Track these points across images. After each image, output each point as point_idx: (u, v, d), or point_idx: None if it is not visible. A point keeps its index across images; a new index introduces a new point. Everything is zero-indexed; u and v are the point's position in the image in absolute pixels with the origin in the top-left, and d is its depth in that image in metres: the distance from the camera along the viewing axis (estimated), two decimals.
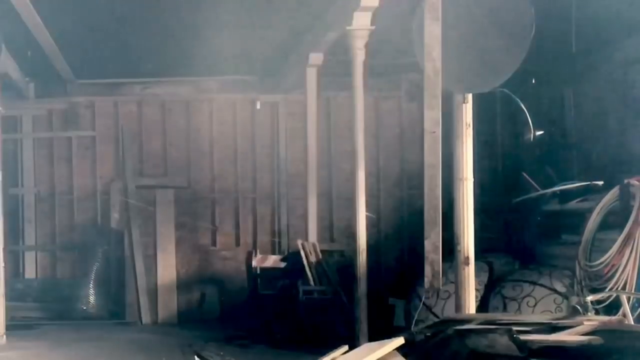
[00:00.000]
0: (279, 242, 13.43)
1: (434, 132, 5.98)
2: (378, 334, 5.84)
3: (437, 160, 6.04)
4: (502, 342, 4.62)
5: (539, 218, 10.35)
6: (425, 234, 6.11)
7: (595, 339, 4.50)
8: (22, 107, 13.39)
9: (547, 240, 10.17)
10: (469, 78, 6.56)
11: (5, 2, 8.89)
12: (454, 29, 6.29)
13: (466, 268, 6.81)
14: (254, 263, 13.21)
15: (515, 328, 4.75)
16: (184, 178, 13.46)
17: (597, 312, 6.98)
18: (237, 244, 13.58)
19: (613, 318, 5.38)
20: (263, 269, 13.02)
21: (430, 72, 6.06)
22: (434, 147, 6.06)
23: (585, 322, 4.97)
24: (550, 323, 5.08)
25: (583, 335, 4.67)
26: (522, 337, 4.62)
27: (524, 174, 10.20)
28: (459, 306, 6.89)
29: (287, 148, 13.44)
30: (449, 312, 8.26)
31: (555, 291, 8.75)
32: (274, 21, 10.40)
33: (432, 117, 6.04)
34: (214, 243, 13.57)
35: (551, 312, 8.51)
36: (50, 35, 10.49)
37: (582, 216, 8.70)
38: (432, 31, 6.06)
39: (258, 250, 13.40)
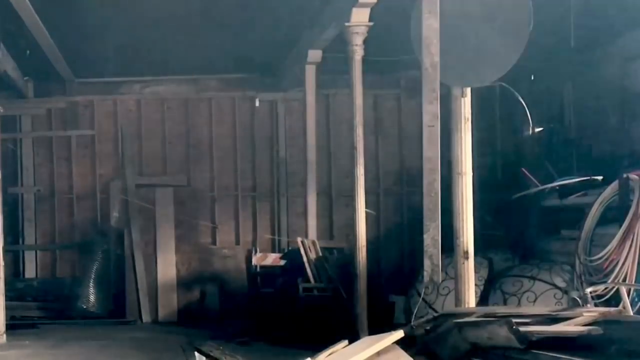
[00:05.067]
0: (279, 240, 13.43)
1: (432, 125, 5.98)
2: (378, 331, 5.81)
3: (436, 154, 6.04)
4: (501, 334, 4.61)
5: (538, 213, 10.35)
6: (425, 228, 6.10)
7: (595, 330, 4.50)
8: (22, 106, 13.42)
9: (546, 235, 10.17)
10: (467, 72, 6.56)
11: (4, 1, 8.89)
12: (452, 23, 6.29)
13: (465, 262, 6.80)
14: (254, 261, 13.26)
15: (514, 320, 4.74)
16: (184, 176, 13.47)
17: (596, 306, 6.98)
18: (237, 242, 13.58)
19: (612, 309, 5.37)
20: (263, 267, 13.06)
21: (428, 66, 6.06)
22: (433, 141, 6.05)
23: (584, 314, 4.97)
24: (550, 315, 5.08)
25: (583, 326, 4.66)
26: (522, 328, 4.61)
27: (523, 170, 10.20)
28: (458, 300, 6.88)
29: (286, 146, 13.45)
30: (449, 307, 8.26)
31: (555, 286, 8.75)
32: (273, 18, 10.41)
33: (431, 111, 6.04)
34: (214, 241, 13.57)
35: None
36: (49, 35, 10.49)
37: (581, 211, 8.72)
38: (430, 25, 6.07)
39: (258, 249, 13.44)
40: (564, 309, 5.58)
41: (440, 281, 6.51)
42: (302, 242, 10.78)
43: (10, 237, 12.88)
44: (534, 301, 8.74)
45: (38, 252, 13.65)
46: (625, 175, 7.87)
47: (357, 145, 9.22)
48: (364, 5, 8.77)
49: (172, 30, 10.85)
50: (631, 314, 6.55)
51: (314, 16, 10.08)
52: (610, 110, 10.19)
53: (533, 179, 10.02)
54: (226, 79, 13.57)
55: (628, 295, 7.10)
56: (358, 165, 9.21)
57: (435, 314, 7.85)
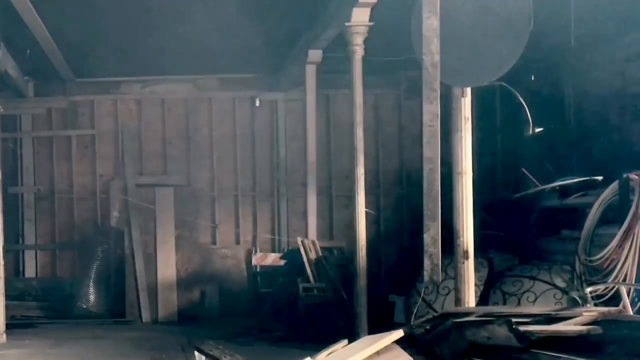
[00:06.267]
0: (279, 240, 13.42)
1: (433, 125, 5.97)
2: (378, 330, 5.81)
3: (436, 153, 6.02)
4: (501, 333, 4.60)
5: (538, 213, 10.35)
6: (425, 227, 6.09)
7: (595, 329, 4.49)
8: (22, 105, 13.43)
9: (546, 235, 10.16)
10: (467, 72, 6.55)
11: (4, 1, 8.89)
12: (452, 23, 6.29)
13: (465, 262, 6.80)
14: (254, 261, 13.27)
15: (514, 319, 4.74)
16: (184, 176, 13.47)
17: (596, 306, 6.97)
18: (237, 242, 13.58)
19: (612, 309, 5.37)
20: (263, 267, 13.07)
21: (428, 65, 6.04)
22: (433, 141, 6.04)
23: (584, 313, 4.96)
24: (550, 314, 5.07)
25: (582, 325, 4.65)
26: (522, 328, 4.60)
27: (524, 170, 10.19)
28: (458, 300, 6.88)
29: (286, 145, 13.45)
30: (449, 307, 8.25)
31: (555, 286, 8.74)
32: (273, 18, 10.41)
33: (431, 111, 6.03)
34: (213, 241, 13.57)
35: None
36: (50, 34, 10.49)
37: (581, 211, 8.71)
38: (431, 25, 6.05)
39: (258, 248, 13.44)
40: (564, 309, 5.57)
41: (440, 281, 6.48)
42: (302, 242, 10.79)
43: (11, 237, 12.89)
44: (534, 301, 8.73)
45: (38, 251, 13.66)
46: (625, 175, 7.86)
47: (357, 145, 9.23)
48: (364, 5, 8.79)
49: (172, 30, 10.84)
50: (631, 313, 6.55)
51: (314, 16, 10.09)
52: (610, 110, 10.19)
53: (533, 179, 10.01)
54: (226, 79, 13.56)
55: (628, 295, 7.10)
56: (358, 165, 9.22)
57: (435, 314, 7.85)
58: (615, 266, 7.63)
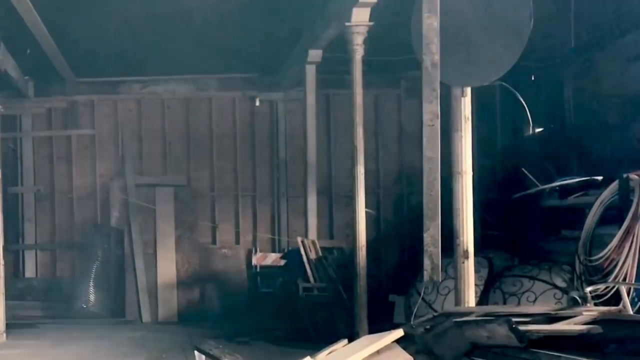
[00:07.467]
0: (279, 240, 13.43)
1: (433, 125, 5.97)
2: (378, 330, 5.81)
3: (436, 153, 6.02)
4: (501, 333, 4.60)
5: (538, 213, 10.35)
6: (425, 227, 6.09)
7: (595, 328, 4.48)
8: (22, 105, 13.45)
9: (546, 235, 10.17)
10: (467, 72, 6.55)
11: (5, 1, 8.90)
12: (452, 23, 6.29)
13: (465, 262, 6.79)
14: (254, 261, 13.27)
15: (514, 319, 4.74)
16: (184, 176, 13.48)
17: (596, 306, 6.97)
18: (237, 242, 13.60)
19: (612, 308, 5.37)
20: (263, 267, 13.07)
21: (428, 65, 6.05)
22: (433, 141, 6.05)
23: (584, 313, 4.96)
24: (550, 314, 5.07)
25: (582, 325, 4.65)
26: (522, 327, 4.60)
27: (524, 170, 10.20)
28: (458, 300, 6.87)
29: (286, 146, 13.46)
30: (449, 307, 8.25)
31: (555, 286, 8.73)
32: (273, 18, 10.41)
33: (431, 110, 6.03)
34: (214, 241, 13.59)
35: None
36: (50, 34, 10.50)
37: (581, 211, 8.71)
38: (431, 25, 6.06)
39: (258, 248, 13.45)
40: (564, 309, 5.56)
41: (440, 280, 6.49)
42: (302, 241, 10.79)
43: (11, 237, 12.89)
44: (534, 301, 8.71)
45: (38, 251, 13.68)
46: (625, 175, 7.84)
47: (357, 145, 9.23)
48: (364, 5, 8.80)
49: (172, 30, 10.85)
50: (631, 313, 6.55)
51: (315, 16, 10.09)
52: (610, 110, 10.19)
53: (533, 179, 10.01)
54: (226, 79, 13.58)
55: (628, 295, 7.09)
56: (358, 165, 9.22)
57: (435, 314, 7.84)
58: (615, 266, 7.61)
